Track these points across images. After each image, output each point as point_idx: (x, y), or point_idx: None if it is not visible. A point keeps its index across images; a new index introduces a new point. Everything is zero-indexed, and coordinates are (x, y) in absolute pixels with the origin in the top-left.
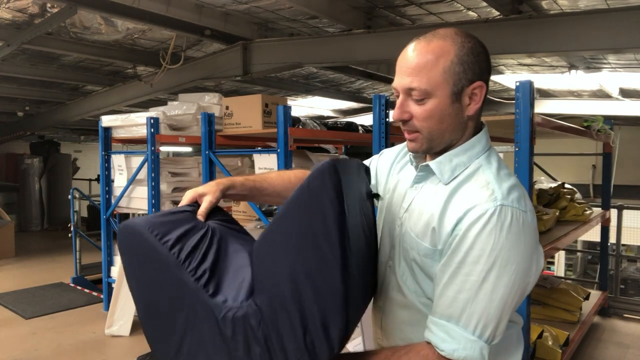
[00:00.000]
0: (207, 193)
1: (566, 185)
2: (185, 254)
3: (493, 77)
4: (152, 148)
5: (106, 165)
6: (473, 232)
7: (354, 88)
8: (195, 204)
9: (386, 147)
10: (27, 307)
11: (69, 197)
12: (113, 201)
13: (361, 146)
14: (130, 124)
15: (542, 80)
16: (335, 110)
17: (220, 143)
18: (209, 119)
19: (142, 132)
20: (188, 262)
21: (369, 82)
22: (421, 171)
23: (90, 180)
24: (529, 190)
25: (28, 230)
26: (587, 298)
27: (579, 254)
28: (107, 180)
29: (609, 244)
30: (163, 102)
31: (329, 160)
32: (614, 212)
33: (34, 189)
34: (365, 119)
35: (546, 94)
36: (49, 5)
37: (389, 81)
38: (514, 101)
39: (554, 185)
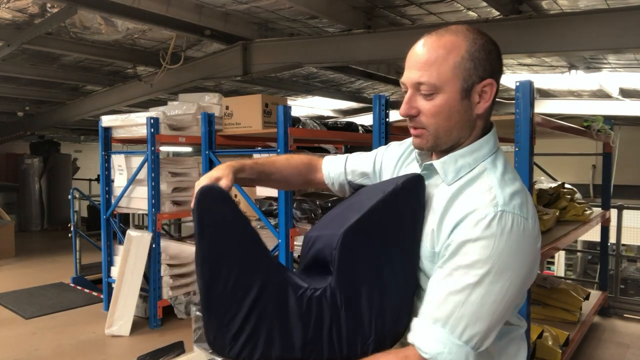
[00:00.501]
0: (221, 177)
1: (566, 185)
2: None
3: None
4: (152, 148)
5: (106, 165)
6: (471, 235)
7: (354, 88)
8: None
9: None
10: (27, 307)
11: (69, 197)
12: (113, 201)
13: (361, 146)
14: (130, 124)
15: (542, 80)
16: (335, 110)
17: (220, 143)
18: (209, 119)
19: (142, 132)
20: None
21: (369, 82)
22: (425, 169)
23: (90, 180)
24: (529, 190)
25: (28, 230)
26: (587, 298)
27: (579, 254)
28: (107, 180)
29: (609, 244)
30: (163, 102)
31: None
32: (614, 212)
33: (34, 189)
34: (365, 119)
35: (546, 94)
36: (49, 5)
37: (389, 81)
38: (514, 101)
39: (554, 185)
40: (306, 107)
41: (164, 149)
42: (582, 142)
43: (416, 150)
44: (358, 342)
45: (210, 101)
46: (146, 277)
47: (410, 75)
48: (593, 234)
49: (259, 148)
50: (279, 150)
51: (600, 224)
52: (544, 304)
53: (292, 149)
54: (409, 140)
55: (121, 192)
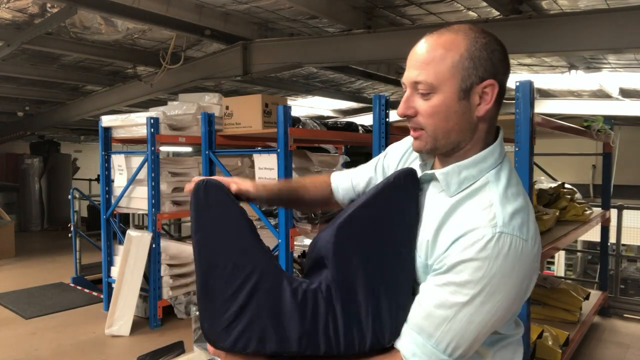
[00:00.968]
0: (234, 182)
1: (566, 185)
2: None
3: None
4: (152, 148)
5: (106, 165)
6: (466, 256)
7: (354, 88)
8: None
9: (386, 147)
10: (27, 307)
11: (69, 197)
12: (113, 201)
13: (361, 146)
14: (130, 124)
15: (542, 80)
16: (335, 110)
17: (220, 143)
18: (209, 119)
19: (142, 132)
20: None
21: (369, 82)
22: (426, 177)
23: (90, 180)
24: (529, 190)
25: (28, 230)
26: (587, 298)
27: (579, 254)
28: (107, 180)
29: (609, 244)
30: (163, 102)
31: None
32: (614, 212)
33: (34, 189)
34: (365, 119)
35: (546, 94)
36: (49, 5)
37: (389, 81)
38: (514, 101)
39: (554, 185)
40: (306, 107)
41: (164, 149)
42: (582, 142)
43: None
44: (355, 336)
45: (210, 101)
46: (146, 277)
47: (409, 74)
48: (593, 234)
49: (259, 148)
50: (279, 150)
51: (600, 224)
52: (544, 304)
53: (292, 149)
54: (410, 138)
55: (121, 192)
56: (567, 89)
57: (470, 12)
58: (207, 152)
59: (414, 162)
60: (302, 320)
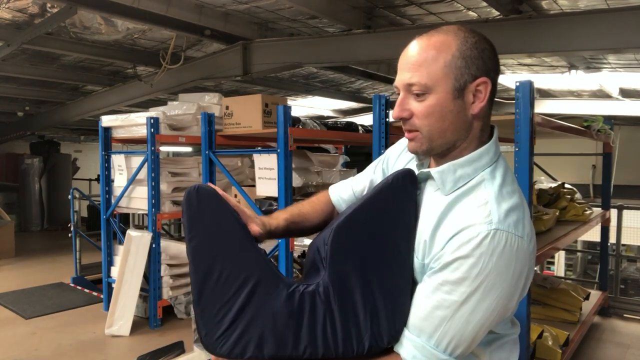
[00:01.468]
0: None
1: (566, 185)
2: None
3: None
4: (152, 148)
5: (106, 165)
6: (462, 253)
7: (354, 88)
8: None
9: (386, 147)
10: (27, 307)
11: (69, 197)
12: (113, 201)
13: (361, 146)
14: (130, 124)
15: (542, 80)
16: (335, 110)
17: (220, 143)
18: (209, 119)
19: (142, 132)
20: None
21: (369, 82)
22: (422, 176)
23: (90, 180)
24: (529, 190)
25: (28, 230)
26: (587, 298)
27: (579, 254)
28: (107, 180)
29: (609, 244)
30: (163, 102)
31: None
32: (614, 212)
33: (34, 189)
34: (365, 119)
35: (546, 94)
36: (49, 5)
37: (389, 81)
38: (514, 101)
39: (554, 185)
40: (306, 107)
41: (164, 149)
42: (582, 142)
43: None
44: (353, 338)
45: (210, 101)
46: (146, 277)
47: (401, 77)
48: (593, 234)
49: (259, 148)
50: (279, 150)
51: (600, 224)
52: (544, 304)
53: (292, 149)
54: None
55: (121, 192)
56: (567, 89)
57: (470, 12)
58: (207, 152)
59: (411, 162)
60: (299, 323)
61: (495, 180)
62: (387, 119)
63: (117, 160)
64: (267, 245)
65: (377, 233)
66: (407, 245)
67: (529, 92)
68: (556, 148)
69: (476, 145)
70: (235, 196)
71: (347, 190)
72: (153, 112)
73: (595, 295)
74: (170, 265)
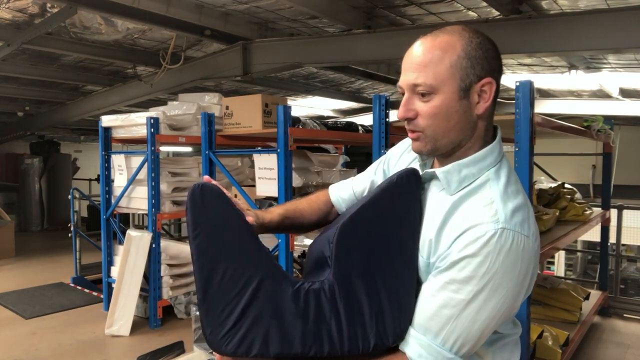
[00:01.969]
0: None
1: (566, 185)
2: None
3: None
4: (152, 148)
5: (106, 165)
6: (469, 252)
7: (354, 88)
8: None
9: (386, 147)
10: (27, 307)
11: (69, 197)
12: (113, 201)
13: (361, 146)
14: (130, 124)
15: (542, 80)
16: (335, 110)
17: (220, 143)
18: (209, 119)
19: (142, 132)
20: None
21: (369, 82)
22: (426, 176)
23: (90, 180)
24: (529, 190)
25: (28, 230)
26: (587, 298)
27: (579, 254)
28: (107, 180)
29: (609, 244)
30: (163, 102)
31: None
32: (614, 212)
33: (34, 189)
34: (365, 119)
35: (546, 94)
36: (49, 5)
37: (389, 81)
38: (514, 101)
39: (554, 185)
40: (306, 107)
41: (164, 149)
42: (582, 142)
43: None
44: (359, 337)
45: (210, 101)
46: (146, 277)
47: (406, 77)
48: (593, 234)
49: (259, 148)
50: (279, 150)
51: (600, 224)
52: (544, 304)
53: (292, 149)
54: (409, 139)
55: (121, 192)
56: (567, 89)
57: (470, 12)
58: (207, 152)
59: (413, 163)
60: (305, 321)
61: (500, 179)
62: (387, 119)
63: (117, 160)
64: (268, 245)
65: (382, 232)
66: (412, 244)
67: (529, 92)
68: (556, 148)
69: (480, 145)
70: (236, 196)
71: (347, 190)
72: (153, 112)
73: (595, 295)
74: (170, 265)
